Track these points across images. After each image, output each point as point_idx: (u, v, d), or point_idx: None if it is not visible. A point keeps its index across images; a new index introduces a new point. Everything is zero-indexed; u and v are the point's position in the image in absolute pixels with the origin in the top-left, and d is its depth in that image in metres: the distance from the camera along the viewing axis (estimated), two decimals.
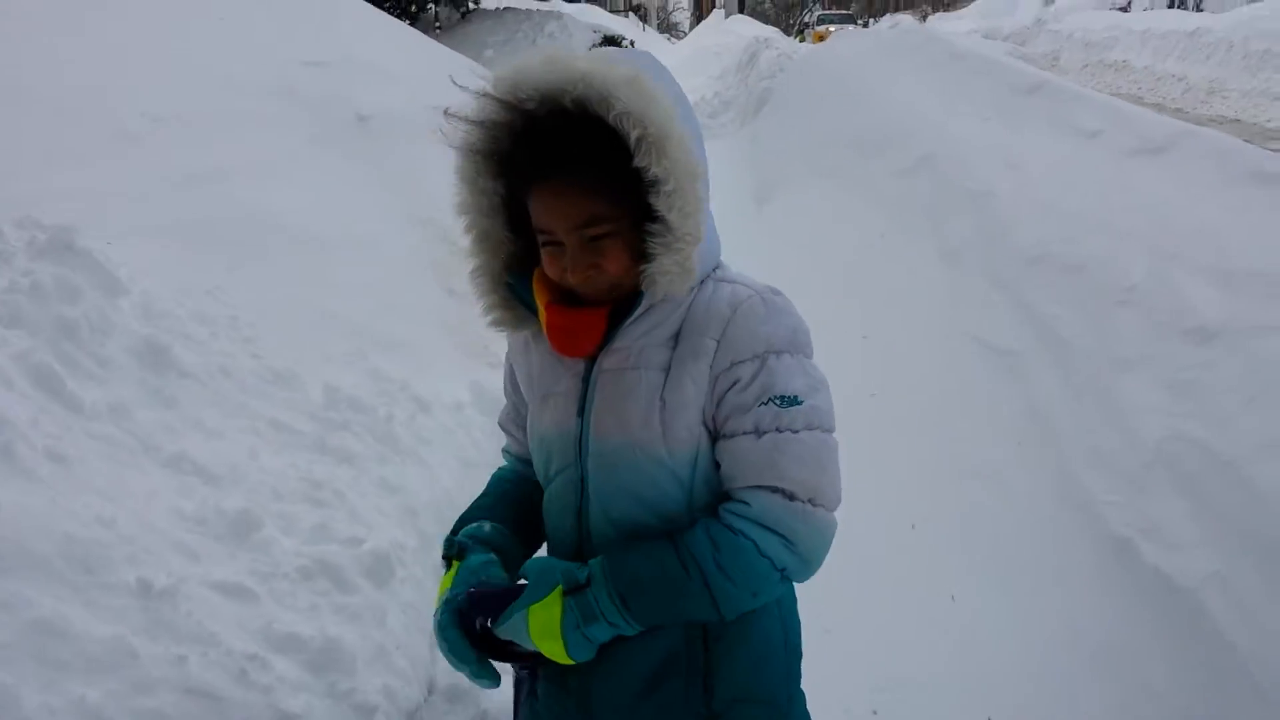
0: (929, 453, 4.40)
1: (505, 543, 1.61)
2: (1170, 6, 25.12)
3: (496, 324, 1.56)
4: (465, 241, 1.52)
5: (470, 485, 3.66)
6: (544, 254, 1.43)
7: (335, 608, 2.72)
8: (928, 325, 5.33)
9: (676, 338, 1.44)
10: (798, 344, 1.43)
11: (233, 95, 5.36)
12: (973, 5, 40.88)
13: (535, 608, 1.39)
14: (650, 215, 1.37)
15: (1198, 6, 24.06)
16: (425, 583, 3.08)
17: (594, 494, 1.48)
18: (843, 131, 8.74)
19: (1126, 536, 3.42)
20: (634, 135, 1.30)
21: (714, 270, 1.50)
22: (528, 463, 1.69)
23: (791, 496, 1.37)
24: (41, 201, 3.69)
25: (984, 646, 3.28)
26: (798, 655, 1.60)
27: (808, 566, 1.40)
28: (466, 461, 3.77)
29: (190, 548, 2.68)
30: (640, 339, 1.45)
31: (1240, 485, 3.17)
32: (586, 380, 1.48)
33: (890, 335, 5.46)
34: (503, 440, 1.81)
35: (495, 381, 4.25)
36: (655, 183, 1.33)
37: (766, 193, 9.11)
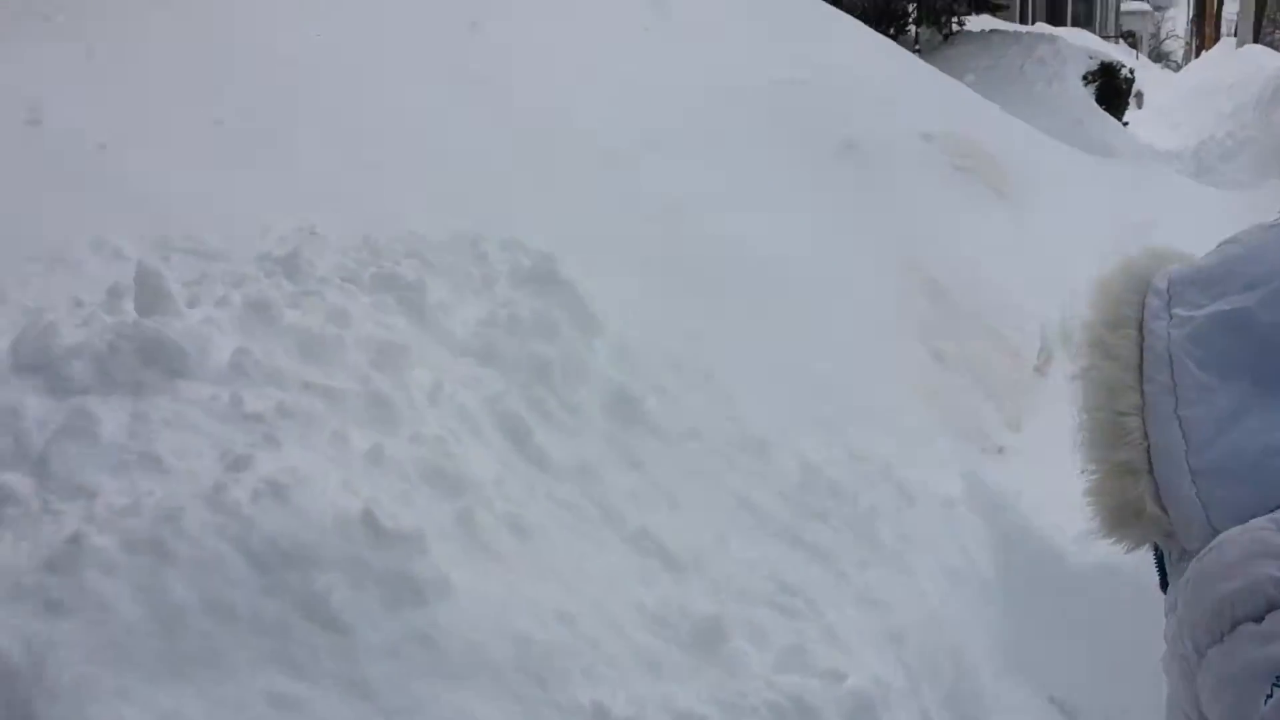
0: None
1: None
2: None
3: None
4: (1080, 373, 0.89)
5: (959, 606, 3.01)
6: None
7: None
8: None
9: None
10: None
11: (709, 117, 5.02)
12: None
13: None
14: None
15: None
16: None
17: None
18: None
19: None
20: None
21: None
22: None
23: None
24: (521, 225, 3.49)
25: None
26: None
27: None
28: (953, 574, 3.10)
29: (652, 657, 2.26)
30: None
31: None
32: None
33: None
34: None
35: (992, 474, 3.56)
36: None
37: None
